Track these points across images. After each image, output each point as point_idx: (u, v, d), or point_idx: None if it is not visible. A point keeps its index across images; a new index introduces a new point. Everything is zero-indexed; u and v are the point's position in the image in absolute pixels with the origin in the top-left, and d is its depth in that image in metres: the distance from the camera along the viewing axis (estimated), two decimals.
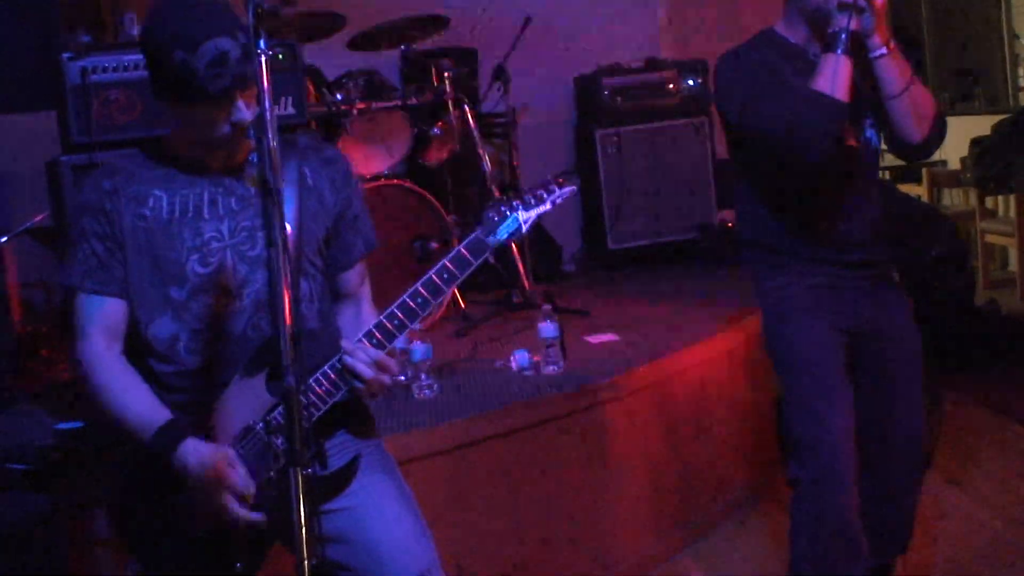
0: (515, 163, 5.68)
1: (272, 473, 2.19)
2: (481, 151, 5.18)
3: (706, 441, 4.19)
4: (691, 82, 6.29)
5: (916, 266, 5.29)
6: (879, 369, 2.98)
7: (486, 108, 5.90)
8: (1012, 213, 7.36)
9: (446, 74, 5.14)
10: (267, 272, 2.22)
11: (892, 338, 2.99)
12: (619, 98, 6.23)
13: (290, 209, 2.19)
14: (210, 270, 2.23)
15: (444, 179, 5.46)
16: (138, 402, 2.20)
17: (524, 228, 2.34)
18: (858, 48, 2.73)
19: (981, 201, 7.80)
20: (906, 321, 3.04)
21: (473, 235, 2.30)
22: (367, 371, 2.19)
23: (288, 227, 2.17)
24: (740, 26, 6.76)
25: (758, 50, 2.91)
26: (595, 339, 4.43)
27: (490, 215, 2.32)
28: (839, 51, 2.65)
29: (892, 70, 2.73)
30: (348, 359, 2.20)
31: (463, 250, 2.28)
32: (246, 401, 2.20)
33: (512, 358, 4.05)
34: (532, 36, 5.59)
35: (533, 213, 2.34)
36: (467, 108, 5.19)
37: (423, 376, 3.81)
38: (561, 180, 2.40)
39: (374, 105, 4.97)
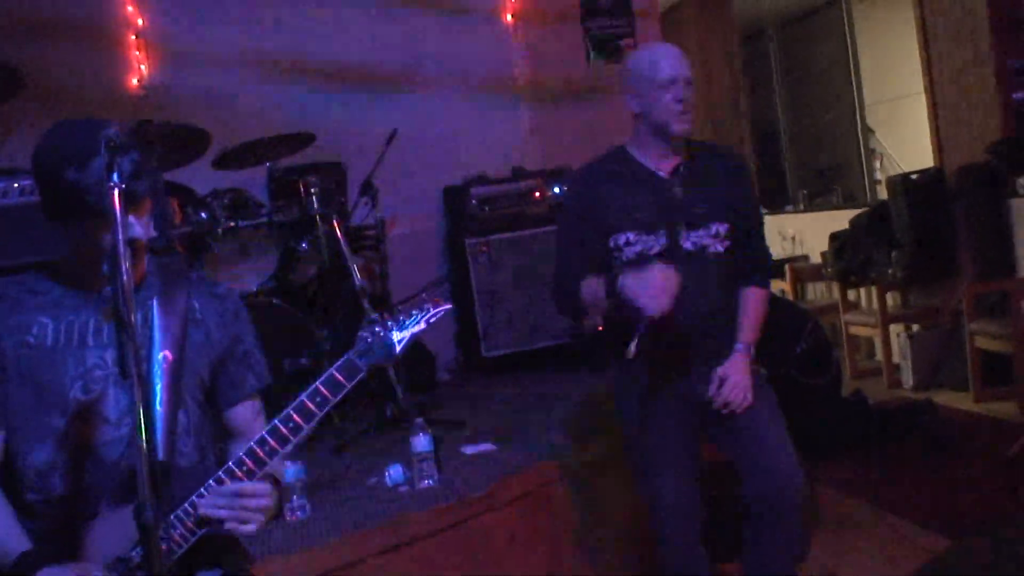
0: (385, 274, 5.67)
1: None
2: (350, 264, 5.17)
3: (587, 550, 4.17)
4: (557, 190, 6.41)
5: (782, 362, 5.41)
6: (732, 421, 3.23)
7: (355, 220, 5.90)
8: (875, 304, 7.62)
9: (313, 189, 5.13)
10: (145, 402, 2.18)
11: (733, 417, 3.24)
12: (487, 207, 6.32)
13: (171, 337, 2.20)
14: (91, 397, 2.19)
15: (314, 294, 5.42)
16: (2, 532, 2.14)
17: (398, 349, 2.32)
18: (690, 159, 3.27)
19: (843, 294, 8.05)
20: (761, 406, 3.26)
21: (345, 357, 2.28)
22: (221, 512, 2.15)
23: (168, 354, 2.19)
24: (601, 135, 6.93)
25: (598, 169, 3.33)
26: (471, 449, 4.41)
27: (364, 335, 2.30)
28: (610, 305, 3.11)
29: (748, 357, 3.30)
30: (201, 507, 2.16)
31: (335, 373, 2.26)
32: (117, 531, 2.14)
33: (386, 473, 4.00)
34: (399, 148, 5.64)
35: (407, 333, 2.33)
36: (335, 222, 5.17)
37: (294, 497, 3.73)
38: (437, 299, 2.39)
39: (241, 223, 4.94)
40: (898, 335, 7.41)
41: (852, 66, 9.66)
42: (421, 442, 3.92)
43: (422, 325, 2.36)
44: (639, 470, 3.35)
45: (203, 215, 4.95)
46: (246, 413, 2.46)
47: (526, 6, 6.94)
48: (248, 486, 2.19)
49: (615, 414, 3.41)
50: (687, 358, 3.24)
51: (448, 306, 2.42)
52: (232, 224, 4.91)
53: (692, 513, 3.29)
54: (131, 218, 2.13)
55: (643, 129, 3.24)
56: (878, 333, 7.53)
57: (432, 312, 2.38)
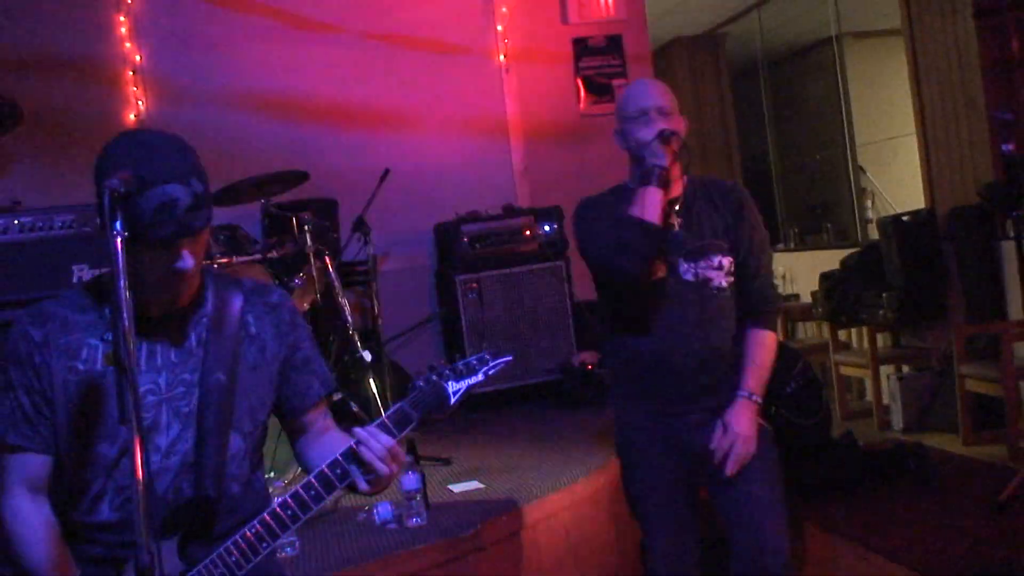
0: (376, 310, 5.69)
1: None
2: (342, 300, 5.19)
3: None
4: (547, 228, 6.45)
5: (771, 402, 5.41)
6: (728, 481, 3.13)
7: (347, 256, 5.93)
8: (865, 345, 7.63)
9: (306, 226, 5.16)
10: (197, 431, 2.17)
11: (736, 476, 3.13)
12: (478, 245, 6.34)
13: (224, 359, 2.17)
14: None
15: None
16: (49, 560, 2.13)
17: (453, 400, 2.29)
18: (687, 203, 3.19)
19: (834, 334, 8.06)
20: (759, 458, 3.16)
21: (398, 405, 2.26)
22: (377, 463, 2.20)
23: (221, 377, 2.16)
24: (593, 174, 6.97)
25: (603, 199, 3.24)
26: (458, 488, 4.41)
27: (419, 383, 2.28)
28: (651, 183, 2.99)
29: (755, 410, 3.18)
30: (361, 443, 2.20)
31: (387, 421, 2.24)
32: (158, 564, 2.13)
33: (375, 511, 4.00)
34: (392, 185, 5.68)
35: (464, 384, 2.30)
36: (327, 258, 5.20)
37: (284, 533, 3.72)
38: (495, 352, 2.36)
39: (235, 259, 4.96)
40: (888, 376, 7.42)
41: (844, 105, 9.72)
42: (410, 480, 3.92)
43: (480, 377, 2.33)
44: (635, 514, 3.33)
45: None
46: (317, 418, 2.43)
47: (518, 47, 6.99)
48: (396, 448, 2.21)
49: (617, 454, 3.38)
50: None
51: (509, 358, 2.38)
52: (227, 260, 4.93)
53: (686, 565, 3.23)
54: (185, 252, 2.07)
55: (632, 167, 3.21)
56: (868, 374, 7.53)
57: (492, 364, 2.35)
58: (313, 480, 2.20)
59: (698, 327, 3.12)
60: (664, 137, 3.03)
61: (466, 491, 4.37)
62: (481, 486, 4.42)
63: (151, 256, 2.06)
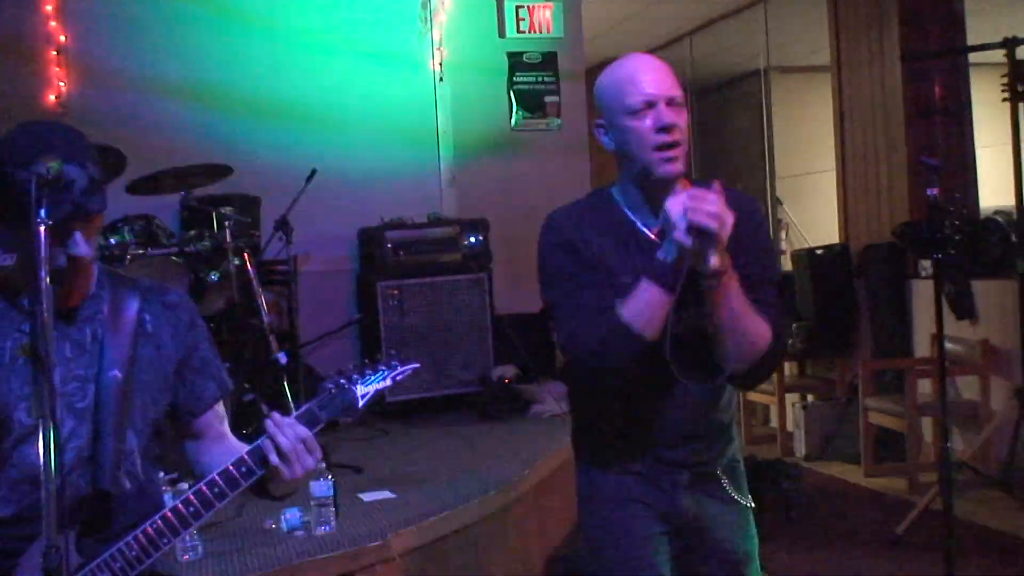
0: (295, 311, 5.64)
1: None
2: (260, 299, 5.13)
3: None
4: (472, 239, 6.44)
5: None
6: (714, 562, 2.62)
7: (267, 255, 5.86)
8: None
9: (226, 221, 5.09)
10: (93, 427, 2.14)
11: (714, 541, 2.60)
12: (402, 252, 6.32)
13: (120, 356, 2.14)
14: (36, 420, 2.08)
15: (221, 327, 5.36)
16: None
17: (361, 403, 2.28)
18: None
19: None
20: (733, 528, 2.63)
21: (307, 406, 2.25)
22: (284, 443, 2.17)
23: (117, 374, 2.14)
24: (521, 189, 7.01)
25: (580, 217, 2.50)
26: (369, 496, 4.38)
27: (328, 386, 2.27)
28: (658, 282, 2.29)
29: (722, 298, 2.32)
30: (270, 429, 2.18)
31: (294, 420, 2.22)
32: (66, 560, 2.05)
33: (283, 517, 3.94)
34: (318, 186, 5.63)
35: (372, 388, 2.29)
36: (247, 256, 5.13)
37: (187, 536, 3.66)
38: (403, 357, 2.36)
39: (150, 251, 4.87)
40: (793, 404, 7.57)
41: (766, 137, 9.88)
42: (320, 487, 3.87)
43: (388, 382, 2.32)
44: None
45: (112, 241, 4.88)
46: (210, 419, 2.39)
47: (453, 57, 6.99)
48: (312, 440, 2.19)
49: (580, 522, 2.71)
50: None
51: (416, 365, 2.37)
52: (142, 252, 4.84)
53: None
54: (79, 236, 2.06)
55: (625, 175, 2.48)
56: (774, 401, 7.67)
57: (399, 370, 2.34)
58: (217, 477, 2.18)
59: (684, 398, 2.50)
60: (703, 230, 2.21)
61: (377, 500, 4.33)
62: (392, 496, 4.39)
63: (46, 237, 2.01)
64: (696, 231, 2.20)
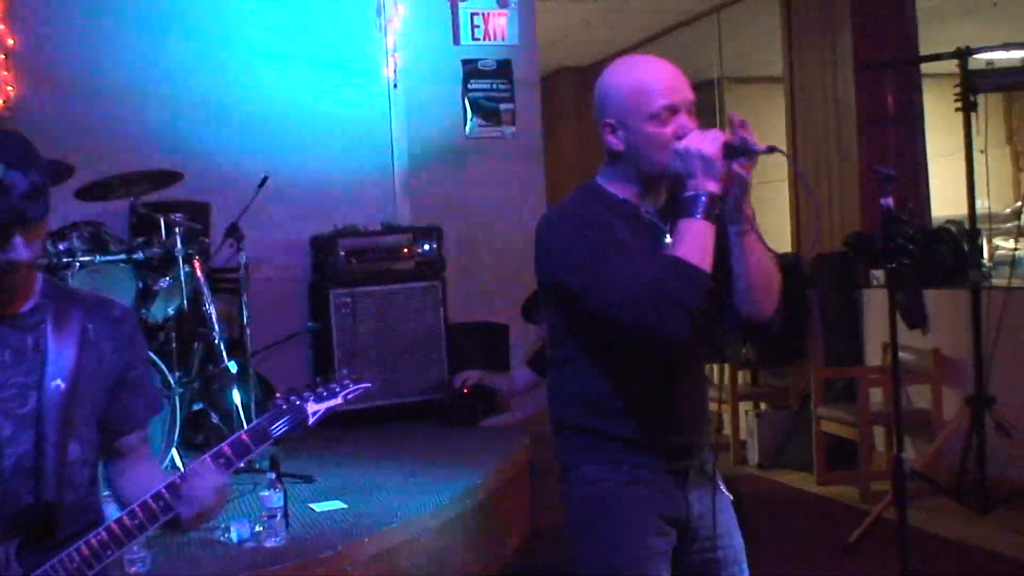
0: (245, 319, 5.57)
1: None
2: (209, 307, 5.07)
3: None
4: (426, 247, 6.41)
5: None
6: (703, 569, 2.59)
7: (218, 262, 5.79)
8: (726, 381, 7.79)
9: (176, 228, 5.02)
10: (36, 436, 2.11)
11: (718, 536, 2.58)
12: (354, 260, 6.27)
13: (65, 365, 2.11)
14: None
15: (169, 335, 5.28)
16: None
17: (311, 420, 2.27)
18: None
19: None
20: (731, 521, 2.64)
21: (257, 422, 2.24)
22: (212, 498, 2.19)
23: (61, 383, 2.11)
24: (475, 197, 7.00)
25: (585, 206, 2.47)
26: (320, 507, 4.33)
27: (278, 402, 2.26)
28: (700, 215, 2.29)
29: (756, 246, 2.42)
30: (191, 480, 2.16)
31: (244, 436, 2.21)
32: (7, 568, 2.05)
33: (232, 528, 3.89)
34: (269, 193, 5.57)
35: (323, 406, 2.28)
36: (197, 263, 5.07)
37: (135, 548, 3.60)
38: (355, 376, 2.36)
39: (99, 257, 4.81)
40: (747, 412, 7.59)
41: None
42: (270, 498, 3.83)
43: (339, 400, 2.31)
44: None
45: (61, 247, 4.81)
46: (133, 441, 2.35)
47: (408, 64, 6.95)
48: (225, 490, 2.20)
49: (566, 533, 2.59)
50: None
51: (368, 384, 2.37)
52: (90, 258, 4.77)
53: None
54: (18, 239, 2.03)
55: (624, 173, 2.47)
56: (728, 409, 7.69)
57: (352, 388, 2.34)
58: (163, 491, 2.15)
59: (695, 372, 2.57)
60: (736, 154, 2.34)
61: (328, 511, 4.28)
62: (344, 506, 4.35)
63: None
64: (730, 149, 2.30)
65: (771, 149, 2.37)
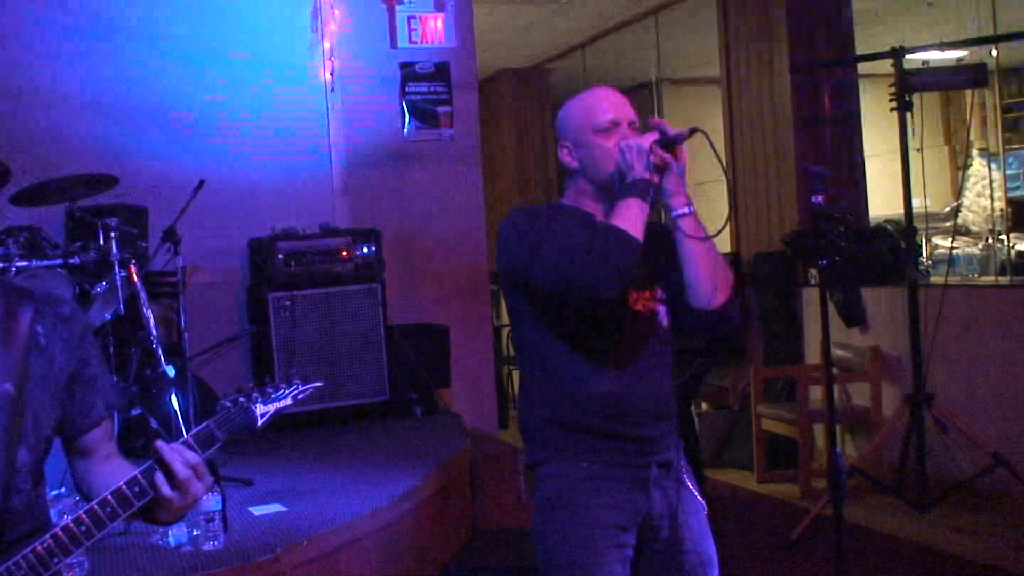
0: (183, 323, 5.52)
1: None
2: (146, 311, 5.01)
3: None
4: (365, 250, 6.39)
5: None
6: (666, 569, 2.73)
7: (155, 266, 5.73)
8: None
9: (112, 232, 4.97)
10: None
11: (684, 539, 2.72)
12: (293, 262, 6.23)
13: (12, 369, 2.07)
14: None
15: (107, 339, 5.22)
16: None
17: (260, 422, 2.23)
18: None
19: None
20: (700, 525, 2.77)
21: (204, 425, 2.19)
22: (179, 469, 2.09)
23: (8, 388, 2.06)
24: (414, 199, 6.98)
25: (551, 210, 2.78)
26: (259, 510, 4.30)
27: (225, 404, 2.22)
28: (635, 196, 2.61)
29: (695, 227, 2.69)
30: (164, 452, 2.09)
31: (191, 439, 2.16)
32: None
33: (169, 532, 3.84)
34: (206, 197, 5.52)
35: (272, 407, 2.25)
36: (133, 267, 5.02)
37: (76, 552, 3.54)
38: (305, 376, 2.33)
39: (35, 262, 4.75)
40: None
41: None
42: (208, 501, 3.79)
43: (288, 400, 2.29)
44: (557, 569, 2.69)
45: None
46: (96, 436, 2.30)
47: (345, 65, 6.92)
48: (202, 466, 2.13)
49: (533, 530, 2.74)
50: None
51: (319, 384, 2.36)
52: (26, 263, 4.71)
53: None
54: None
55: (582, 187, 2.77)
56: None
57: (301, 388, 2.31)
58: (109, 496, 2.12)
59: (653, 367, 2.73)
60: (666, 144, 2.65)
61: (267, 514, 4.25)
62: (284, 509, 4.31)
63: None
64: (660, 145, 2.63)
65: (692, 131, 2.67)
